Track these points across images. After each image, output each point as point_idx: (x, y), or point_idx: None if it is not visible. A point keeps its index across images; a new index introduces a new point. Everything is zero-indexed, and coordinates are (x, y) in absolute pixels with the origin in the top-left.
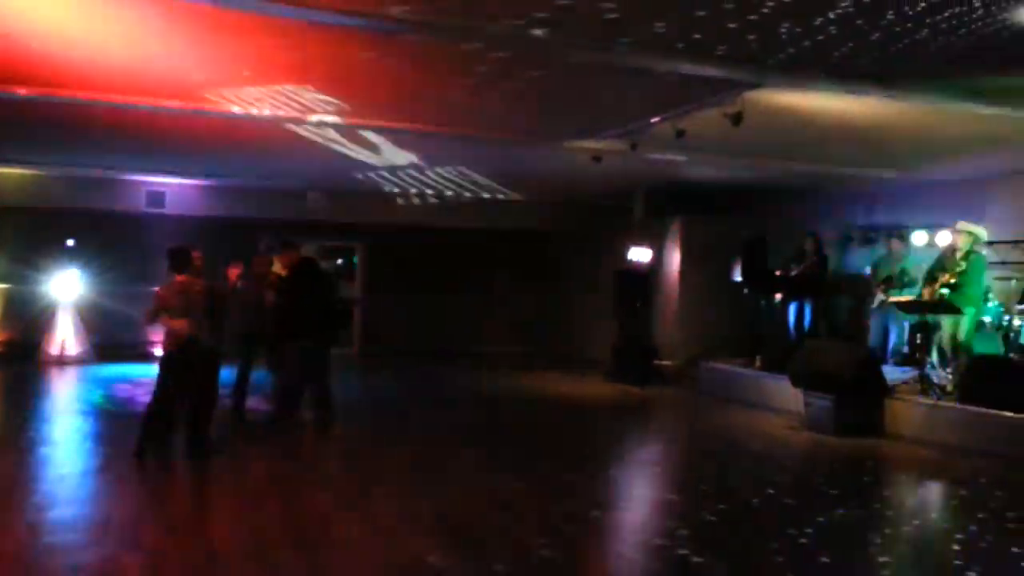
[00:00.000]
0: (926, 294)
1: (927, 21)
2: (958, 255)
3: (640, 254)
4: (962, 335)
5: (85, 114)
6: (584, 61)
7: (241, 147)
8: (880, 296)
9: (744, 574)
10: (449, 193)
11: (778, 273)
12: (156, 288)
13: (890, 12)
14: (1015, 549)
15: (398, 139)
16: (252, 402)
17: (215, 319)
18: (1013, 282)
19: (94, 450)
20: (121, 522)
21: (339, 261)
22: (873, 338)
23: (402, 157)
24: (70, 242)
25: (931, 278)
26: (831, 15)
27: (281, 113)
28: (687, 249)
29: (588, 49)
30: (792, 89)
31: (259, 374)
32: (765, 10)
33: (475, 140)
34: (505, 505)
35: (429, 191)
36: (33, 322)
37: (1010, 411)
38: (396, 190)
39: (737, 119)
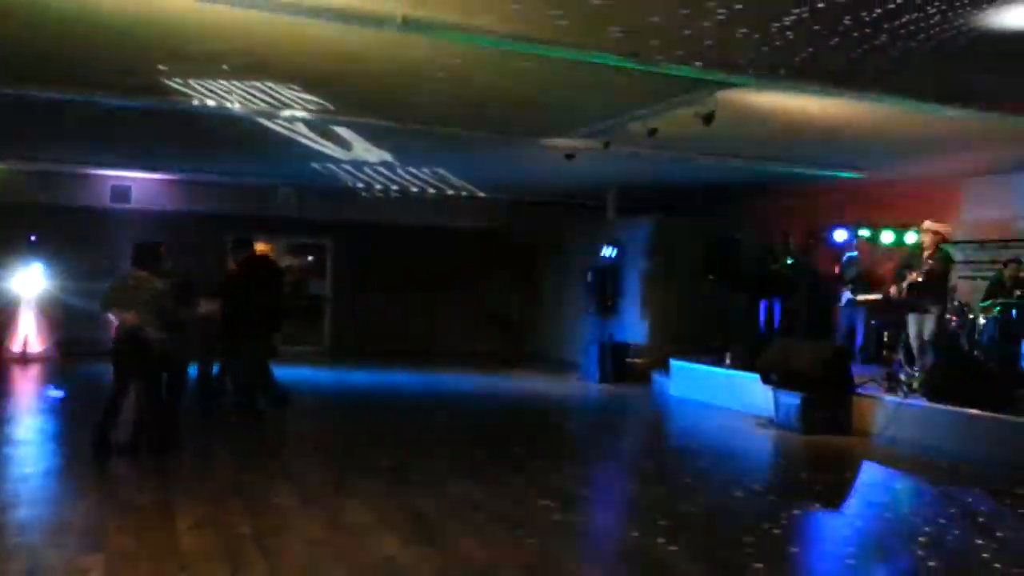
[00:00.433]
0: (893, 292)
1: (885, 27)
2: (925, 254)
3: (613, 253)
4: (927, 333)
5: (48, 107)
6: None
7: (209, 141)
8: (848, 295)
9: (713, 568)
10: (416, 190)
11: (749, 272)
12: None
13: (847, 18)
14: (979, 542)
15: (370, 135)
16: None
17: (170, 317)
18: (978, 281)
19: (56, 450)
20: (83, 523)
21: (310, 258)
22: (841, 336)
23: (374, 154)
24: (33, 237)
25: (899, 277)
26: (786, 21)
27: (252, 107)
28: (659, 248)
29: (561, 48)
30: (762, 90)
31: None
32: (720, 16)
33: (447, 136)
34: (477, 505)
35: (397, 188)
36: None
37: (975, 408)
38: (366, 187)
39: (708, 119)
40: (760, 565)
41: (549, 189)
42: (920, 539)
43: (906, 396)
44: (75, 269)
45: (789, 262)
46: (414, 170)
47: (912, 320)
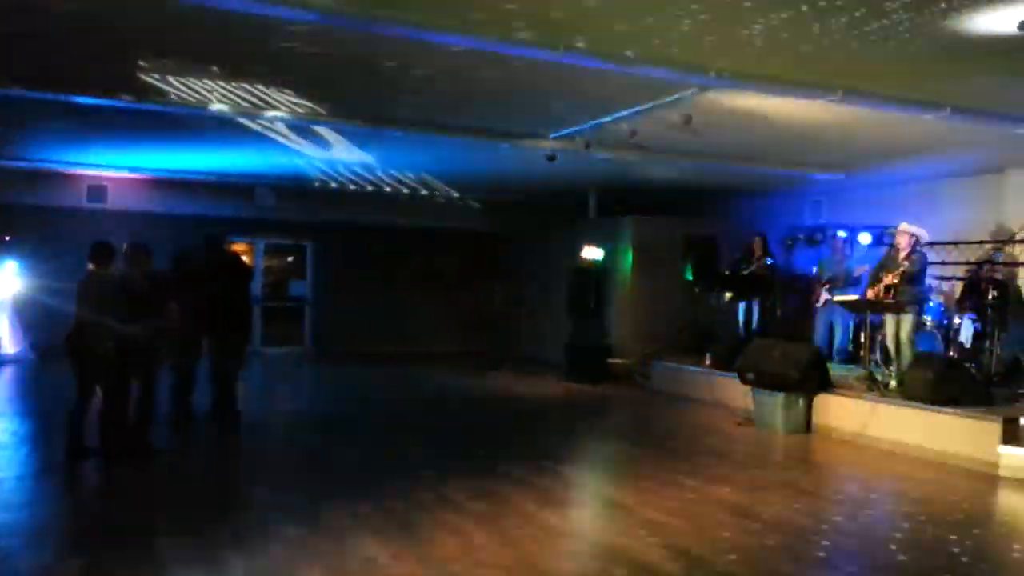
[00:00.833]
0: (870, 293)
1: (855, 33)
2: (901, 255)
3: (593, 253)
4: (904, 333)
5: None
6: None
7: (189, 139)
8: (825, 295)
9: (691, 565)
10: (390, 190)
11: (727, 273)
12: None
13: (815, 25)
14: (952, 536)
15: (350, 135)
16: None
17: (118, 314)
18: (954, 281)
19: (31, 453)
20: (60, 526)
21: (289, 259)
22: (819, 336)
23: (354, 154)
24: (7, 237)
25: (875, 278)
26: (755, 28)
27: (228, 107)
28: (640, 249)
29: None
30: (740, 92)
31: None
32: (687, 23)
33: (427, 137)
34: (456, 506)
35: (375, 188)
36: None
37: (950, 407)
38: (347, 187)
39: (687, 120)
40: (735, 556)
41: (531, 189)
42: (895, 536)
43: (883, 395)
44: (51, 269)
45: (767, 262)
46: (395, 172)
47: (889, 320)
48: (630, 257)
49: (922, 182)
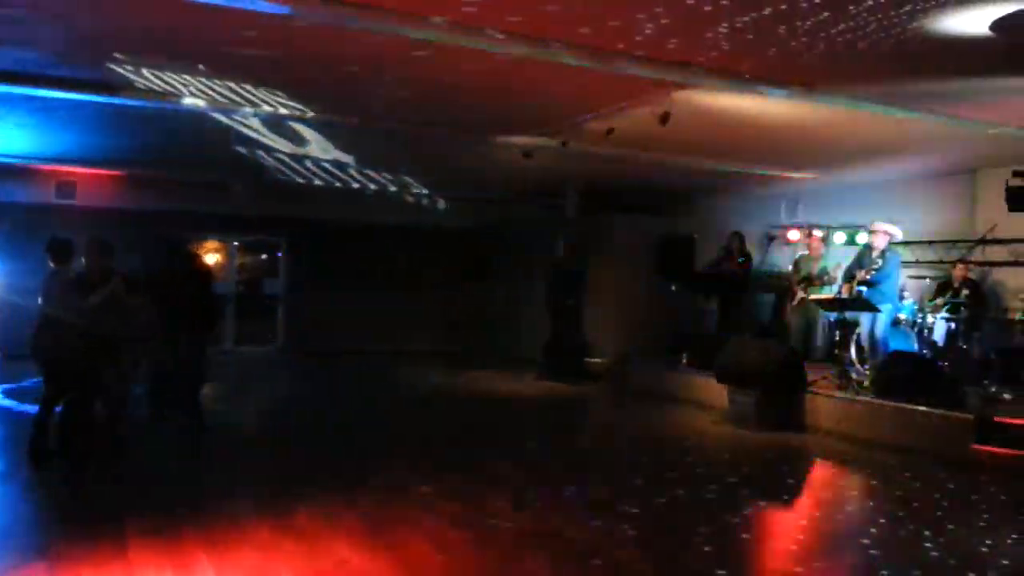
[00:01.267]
0: (845, 292)
1: (822, 35)
2: (875, 254)
3: (571, 252)
4: (879, 331)
5: None
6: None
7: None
8: (801, 294)
9: (670, 566)
10: (360, 186)
11: (704, 271)
12: None
13: (782, 27)
14: (927, 533)
15: (326, 131)
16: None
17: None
18: (927, 280)
19: None
20: (25, 529)
21: (263, 256)
22: (794, 335)
23: (330, 150)
24: None
25: (849, 276)
26: (722, 29)
27: (203, 102)
28: (618, 247)
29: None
30: (717, 90)
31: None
32: (664, 21)
33: (405, 133)
34: (428, 506)
35: (345, 184)
36: None
37: (923, 405)
38: (316, 182)
39: (664, 118)
40: (709, 548)
41: (507, 187)
42: (869, 531)
43: (857, 393)
44: (18, 267)
45: (743, 261)
46: (369, 170)
47: (864, 319)
48: (609, 255)
49: (896, 182)
